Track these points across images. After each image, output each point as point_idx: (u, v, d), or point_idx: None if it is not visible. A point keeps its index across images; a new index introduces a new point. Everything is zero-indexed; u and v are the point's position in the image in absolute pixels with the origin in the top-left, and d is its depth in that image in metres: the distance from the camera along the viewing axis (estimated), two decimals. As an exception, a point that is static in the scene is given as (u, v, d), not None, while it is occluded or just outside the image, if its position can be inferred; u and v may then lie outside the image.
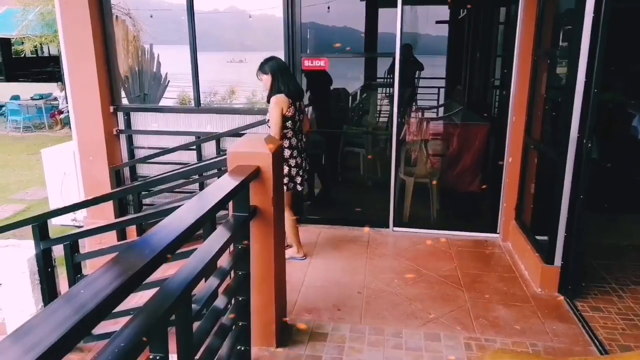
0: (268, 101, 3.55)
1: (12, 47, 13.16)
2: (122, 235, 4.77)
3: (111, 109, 4.91)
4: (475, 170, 5.15)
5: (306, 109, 3.73)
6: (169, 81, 6.01)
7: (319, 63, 4.38)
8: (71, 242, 3.10)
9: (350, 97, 6.59)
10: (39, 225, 3.11)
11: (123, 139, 5.06)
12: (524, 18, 3.93)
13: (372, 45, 6.68)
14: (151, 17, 5.79)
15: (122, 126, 5.03)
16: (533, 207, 3.92)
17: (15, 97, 14.77)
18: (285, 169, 3.49)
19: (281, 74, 3.54)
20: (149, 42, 5.73)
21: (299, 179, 3.64)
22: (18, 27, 12.02)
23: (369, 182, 5.73)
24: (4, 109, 14.47)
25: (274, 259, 2.67)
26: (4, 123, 14.37)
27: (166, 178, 3.75)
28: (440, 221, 4.62)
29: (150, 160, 4.97)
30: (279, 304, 2.80)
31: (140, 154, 5.10)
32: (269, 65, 3.55)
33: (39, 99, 14.59)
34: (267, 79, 3.55)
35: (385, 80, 6.36)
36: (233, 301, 2.50)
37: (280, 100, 3.45)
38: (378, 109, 6.71)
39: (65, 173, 5.48)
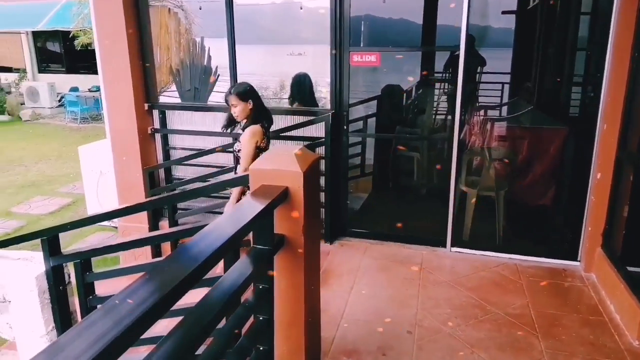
0: (243, 129, 3.36)
1: (75, 40, 13.42)
2: (156, 248, 4.49)
3: (146, 106, 4.59)
4: (548, 181, 4.45)
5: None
6: (219, 75, 5.75)
7: (370, 58, 3.84)
8: (82, 261, 2.75)
9: (404, 95, 6.00)
10: (49, 239, 2.78)
11: (158, 138, 4.74)
12: (620, 6, 3.21)
13: (430, 38, 6.04)
14: (200, 9, 5.52)
15: (157, 125, 4.70)
16: (627, 234, 3.22)
17: (74, 89, 15.15)
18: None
19: (260, 102, 3.40)
20: (199, 34, 5.45)
21: None
22: (75, 21, 12.19)
23: (424, 190, 5.14)
24: (63, 100, 14.86)
25: (305, 298, 2.19)
26: (63, 114, 14.77)
27: (199, 190, 3.35)
28: (508, 242, 3.96)
29: (185, 162, 4.63)
30: (311, 351, 2.32)
31: (175, 154, 4.76)
32: (250, 93, 3.36)
33: (97, 90, 14.83)
34: (244, 107, 3.33)
35: (444, 76, 5.74)
36: (254, 350, 2.05)
37: (256, 133, 3.29)
38: (435, 108, 6.07)
39: (102, 172, 5.26)
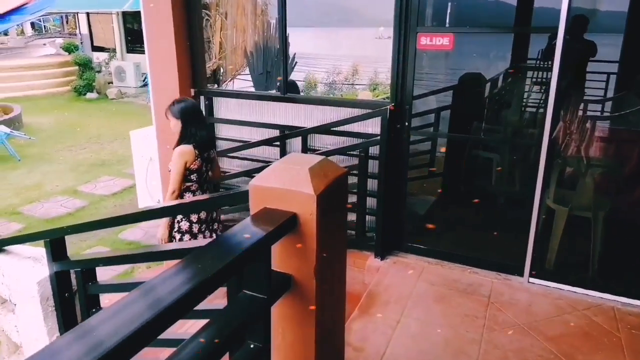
0: (174, 148, 3.17)
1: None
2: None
3: (192, 92, 4.25)
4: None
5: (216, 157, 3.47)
6: (296, 62, 5.37)
7: (442, 41, 3.17)
8: (83, 270, 2.43)
9: (488, 85, 5.19)
10: (52, 241, 2.48)
11: (204, 126, 4.39)
12: None
13: (524, 19, 5.16)
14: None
15: (203, 112, 4.35)
16: None
17: (157, 70, 15.51)
18: (186, 225, 3.19)
19: (192, 120, 3.15)
20: (274, 17, 5.10)
21: (201, 237, 3.24)
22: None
23: (502, 199, 4.37)
24: (146, 79, 15.29)
25: (316, 357, 1.67)
26: (146, 94, 15.22)
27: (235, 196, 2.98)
28: (605, 278, 3.16)
29: (229, 155, 4.24)
30: (324, 420, 1.80)
31: (221, 145, 4.39)
32: (180, 109, 3.13)
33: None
34: (175, 123, 3.16)
35: (538, 64, 4.88)
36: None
37: (185, 153, 3.09)
38: (524, 101, 5.21)
39: (151, 158, 5.04)
